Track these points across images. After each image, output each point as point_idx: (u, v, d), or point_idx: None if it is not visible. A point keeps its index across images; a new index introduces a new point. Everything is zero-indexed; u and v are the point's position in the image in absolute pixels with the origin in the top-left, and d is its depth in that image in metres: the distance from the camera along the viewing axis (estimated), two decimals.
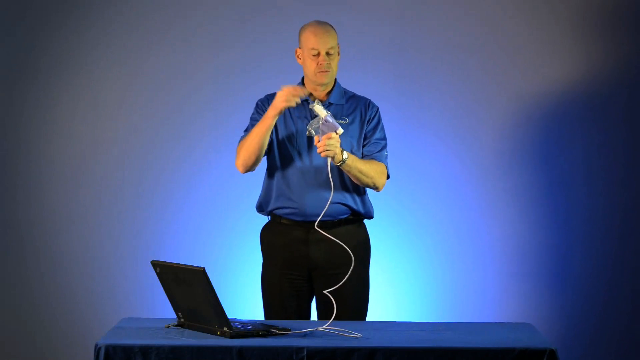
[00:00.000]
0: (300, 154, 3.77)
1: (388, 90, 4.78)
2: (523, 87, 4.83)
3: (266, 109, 3.72)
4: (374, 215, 3.90)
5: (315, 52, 3.71)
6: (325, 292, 3.50)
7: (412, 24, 4.84)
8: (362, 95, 3.90)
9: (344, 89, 3.87)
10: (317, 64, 3.71)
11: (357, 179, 3.73)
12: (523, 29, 4.82)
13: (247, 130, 3.84)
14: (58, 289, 4.86)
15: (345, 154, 3.61)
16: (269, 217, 3.87)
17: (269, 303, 3.85)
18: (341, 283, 3.51)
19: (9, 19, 4.83)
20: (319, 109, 3.56)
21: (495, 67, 4.84)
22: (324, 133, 3.54)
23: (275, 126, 3.76)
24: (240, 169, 3.78)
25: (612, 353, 4.84)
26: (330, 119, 3.54)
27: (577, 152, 4.83)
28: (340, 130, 3.54)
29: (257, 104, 3.87)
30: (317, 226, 3.61)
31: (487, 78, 4.84)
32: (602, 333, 4.83)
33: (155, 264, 3.23)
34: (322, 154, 3.56)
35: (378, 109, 3.87)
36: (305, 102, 3.78)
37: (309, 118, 3.76)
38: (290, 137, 3.79)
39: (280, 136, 3.79)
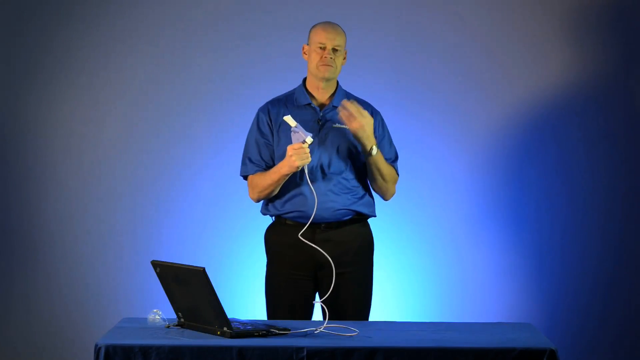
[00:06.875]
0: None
1: (388, 91, 4.78)
2: (524, 86, 4.83)
3: (266, 123, 3.78)
4: (376, 213, 3.91)
5: (322, 45, 3.75)
6: (315, 302, 3.51)
7: (411, 24, 4.84)
8: (361, 97, 3.91)
9: (345, 91, 3.89)
10: (322, 57, 3.75)
11: (374, 177, 3.79)
12: (523, 29, 4.82)
13: (246, 150, 3.84)
14: (58, 289, 4.86)
15: (375, 150, 3.70)
16: (274, 218, 3.88)
17: (274, 304, 3.84)
18: (330, 291, 3.55)
19: (9, 20, 4.83)
20: (288, 119, 3.61)
21: (495, 66, 4.84)
22: (295, 142, 3.61)
23: (276, 136, 3.79)
24: (254, 201, 3.85)
25: (612, 353, 4.84)
26: (299, 129, 3.59)
27: (579, 153, 4.83)
28: (310, 140, 3.58)
29: (257, 116, 3.86)
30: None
31: (488, 78, 4.84)
32: (602, 333, 4.83)
33: (155, 264, 3.23)
34: (295, 164, 3.60)
35: (380, 114, 3.90)
36: (308, 106, 3.82)
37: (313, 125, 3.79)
38: None
39: (282, 149, 3.78)
